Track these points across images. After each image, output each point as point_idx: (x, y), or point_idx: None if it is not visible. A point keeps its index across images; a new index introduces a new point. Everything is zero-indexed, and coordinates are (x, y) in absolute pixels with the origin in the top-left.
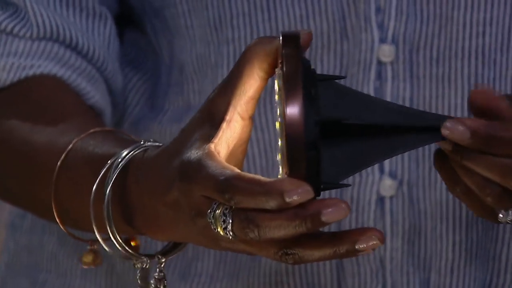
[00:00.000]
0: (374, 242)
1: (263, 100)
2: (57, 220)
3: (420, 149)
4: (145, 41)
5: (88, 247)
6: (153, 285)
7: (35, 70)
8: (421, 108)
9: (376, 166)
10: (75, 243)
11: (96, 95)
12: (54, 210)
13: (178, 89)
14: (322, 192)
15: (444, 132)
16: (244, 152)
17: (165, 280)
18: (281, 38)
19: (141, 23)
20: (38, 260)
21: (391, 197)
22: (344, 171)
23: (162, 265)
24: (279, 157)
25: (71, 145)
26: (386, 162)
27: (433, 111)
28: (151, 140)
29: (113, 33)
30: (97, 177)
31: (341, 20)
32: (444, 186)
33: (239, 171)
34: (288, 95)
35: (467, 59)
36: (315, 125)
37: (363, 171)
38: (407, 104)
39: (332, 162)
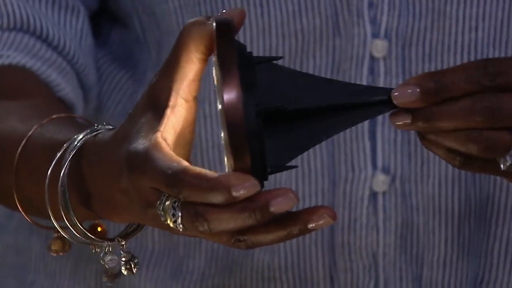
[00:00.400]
0: (326, 220)
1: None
2: (20, 208)
3: (413, 144)
4: (132, 38)
5: (55, 235)
6: (123, 267)
7: (4, 60)
8: None
9: (369, 162)
10: None
11: (67, 88)
12: (15, 198)
13: None
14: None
15: (396, 99)
16: (192, 132)
17: (135, 259)
18: (214, 25)
19: (129, 19)
20: (26, 260)
21: (383, 193)
22: (292, 153)
23: (124, 247)
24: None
25: (31, 132)
26: (379, 158)
27: None
28: (104, 123)
29: (86, 27)
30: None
31: (334, 16)
32: (436, 180)
33: (186, 164)
34: (224, 85)
35: (460, 54)
36: (256, 115)
37: (356, 168)
38: None
39: (277, 146)
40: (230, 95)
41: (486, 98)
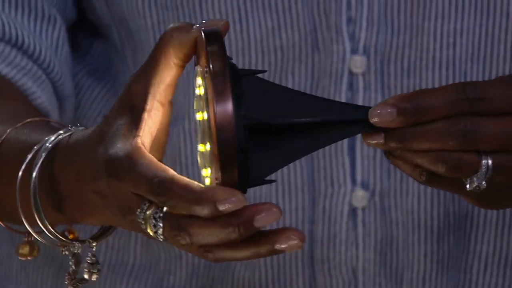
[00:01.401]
0: (294, 242)
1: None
2: None
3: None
4: (112, 49)
5: (25, 239)
6: (86, 270)
7: None
8: None
9: (348, 177)
10: (45, 255)
11: (42, 97)
12: None
13: None
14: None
15: (373, 118)
16: (166, 134)
17: (98, 264)
18: (203, 36)
19: (108, 30)
20: (7, 271)
21: (363, 208)
22: (271, 167)
23: (94, 249)
24: (200, 156)
25: (4, 136)
26: (358, 173)
27: None
28: (78, 124)
29: (62, 36)
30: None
31: (313, 32)
32: (415, 196)
33: (173, 172)
34: (217, 96)
35: (438, 70)
36: (245, 129)
37: (335, 183)
38: None
39: (260, 161)
40: (222, 107)
41: (462, 122)
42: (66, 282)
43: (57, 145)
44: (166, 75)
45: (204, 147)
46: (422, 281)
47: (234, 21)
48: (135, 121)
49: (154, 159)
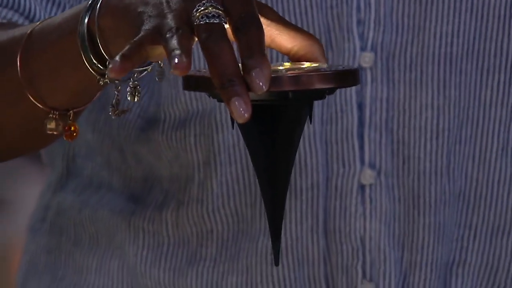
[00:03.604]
0: (241, 112)
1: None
2: (28, 92)
3: (395, 144)
4: None
5: (50, 115)
6: (129, 92)
7: None
8: (395, 108)
9: (358, 159)
10: (89, 244)
11: None
12: (20, 77)
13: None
14: None
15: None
16: None
17: (139, 87)
18: None
19: None
20: (57, 258)
21: (370, 185)
22: None
23: (136, 75)
24: None
25: (39, 22)
26: (366, 155)
27: (406, 110)
28: None
29: None
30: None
31: (327, 33)
32: (416, 175)
33: None
34: None
35: (437, 65)
36: None
37: (346, 164)
38: (384, 104)
39: None
40: None
41: None
42: (110, 113)
43: None
44: None
45: None
46: (421, 248)
47: None
48: None
49: None
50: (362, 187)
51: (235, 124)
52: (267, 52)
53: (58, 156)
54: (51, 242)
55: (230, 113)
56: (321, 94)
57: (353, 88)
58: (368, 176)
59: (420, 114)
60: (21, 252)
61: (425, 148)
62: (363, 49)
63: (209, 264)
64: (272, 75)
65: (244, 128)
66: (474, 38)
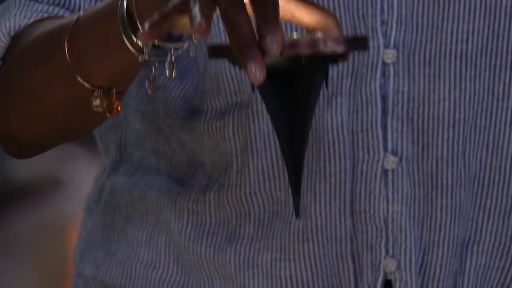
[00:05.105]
0: (257, 73)
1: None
2: (75, 73)
3: (415, 133)
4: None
5: (96, 94)
6: (167, 66)
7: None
8: (416, 100)
9: (381, 146)
10: (140, 221)
11: None
12: (69, 60)
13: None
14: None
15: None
16: None
17: (177, 62)
18: None
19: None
20: (110, 234)
21: (393, 170)
22: None
23: (173, 51)
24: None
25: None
26: (389, 143)
27: (426, 102)
28: None
29: None
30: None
31: (353, 31)
32: (434, 161)
33: None
34: None
35: (453, 61)
36: None
37: (371, 151)
38: (405, 96)
39: None
40: None
41: None
42: (146, 87)
43: None
44: None
45: None
46: (439, 227)
47: (285, 23)
48: None
49: None
50: (385, 172)
51: (255, 90)
52: (282, 23)
53: (112, 144)
54: (106, 220)
55: (247, 77)
56: (334, 59)
57: (377, 81)
58: (390, 162)
59: (438, 105)
60: (75, 229)
61: (443, 136)
62: (386, 46)
63: (247, 242)
64: (286, 41)
65: (264, 92)
66: (488, 36)
